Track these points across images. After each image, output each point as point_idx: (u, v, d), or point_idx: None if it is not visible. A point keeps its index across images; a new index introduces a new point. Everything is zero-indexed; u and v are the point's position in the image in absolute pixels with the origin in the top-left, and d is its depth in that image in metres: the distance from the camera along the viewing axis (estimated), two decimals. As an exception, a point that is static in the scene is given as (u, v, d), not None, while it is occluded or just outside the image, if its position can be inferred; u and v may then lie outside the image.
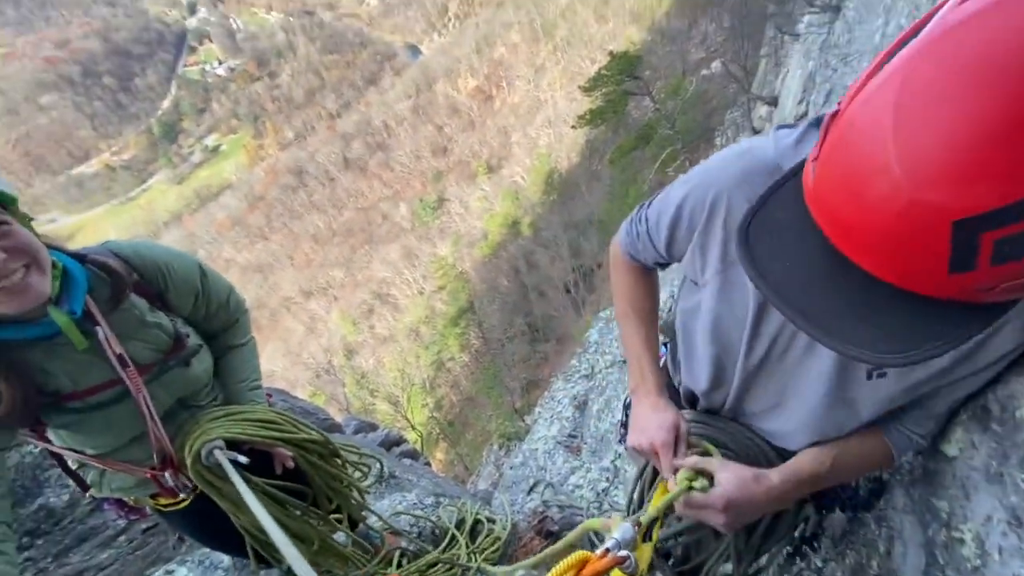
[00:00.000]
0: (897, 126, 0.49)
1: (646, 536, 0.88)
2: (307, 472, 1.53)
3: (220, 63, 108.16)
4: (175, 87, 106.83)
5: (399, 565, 2.17)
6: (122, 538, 2.49)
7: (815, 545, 1.64)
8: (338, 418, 6.52)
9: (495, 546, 2.48)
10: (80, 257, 1.19)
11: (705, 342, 1.01)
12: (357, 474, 1.80)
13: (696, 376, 1.09)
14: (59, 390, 1.17)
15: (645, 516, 0.84)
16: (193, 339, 1.38)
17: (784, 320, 0.87)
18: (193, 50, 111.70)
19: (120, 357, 1.18)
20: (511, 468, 4.97)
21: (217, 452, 1.30)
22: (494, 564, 2.35)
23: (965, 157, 0.45)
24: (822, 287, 0.60)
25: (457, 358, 35.86)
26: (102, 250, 1.24)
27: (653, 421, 1.00)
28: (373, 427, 6.87)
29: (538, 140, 55.96)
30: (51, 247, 1.14)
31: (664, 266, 1.12)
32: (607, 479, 3.67)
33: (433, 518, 2.63)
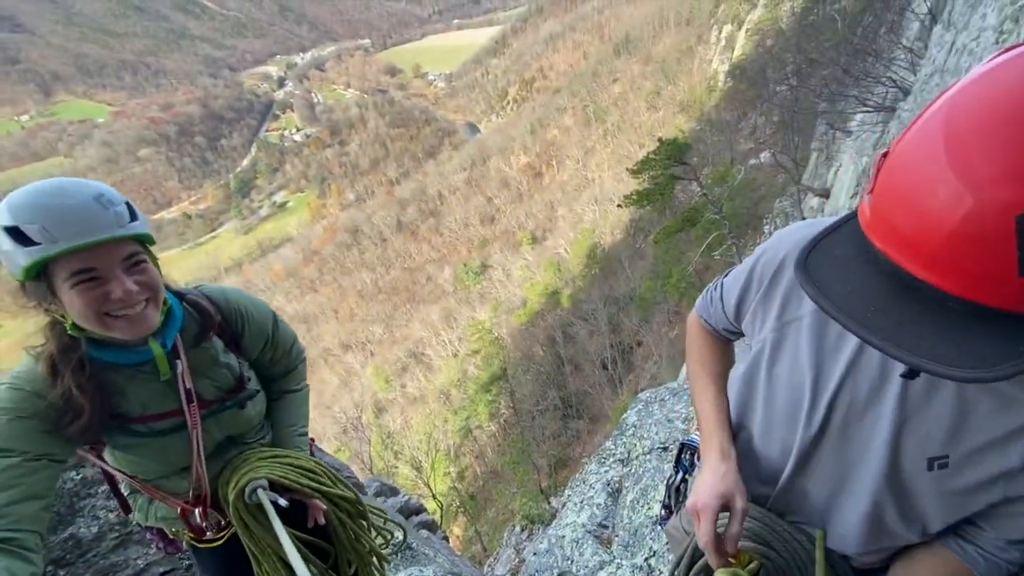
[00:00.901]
0: (948, 144, 0.54)
1: None
2: (335, 529, 1.50)
3: (298, 130, 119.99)
4: (255, 149, 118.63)
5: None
6: (139, 580, 2.45)
7: None
8: (361, 477, 6.38)
9: (514, 642, 2.27)
10: (179, 295, 1.31)
11: (759, 411, 0.96)
12: (379, 540, 1.74)
13: (747, 452, 1.02)
14: (127, 412, 1.23)
15: None
16: (253, 383, 1.44)
17: (845, 384, 0.84)
18: (276, 118, 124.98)
19: (188, 392, 1.26)
20: (535, 555, 4.64)
21: (260, 492, 1.32)
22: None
23: (1017, 155, 0.50)
24: (889, 308, 0.59)
25: (485, 427, 34.98)
26: (195, 291, 1.36)
27: (707, 483, 0.94)
28: (394, 491, 6.67)
29: (583, 216, 57.35)
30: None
31: (734, 337, 1.13)
32: (641, 580, 3.36)
33: (450, 601, 2.46)
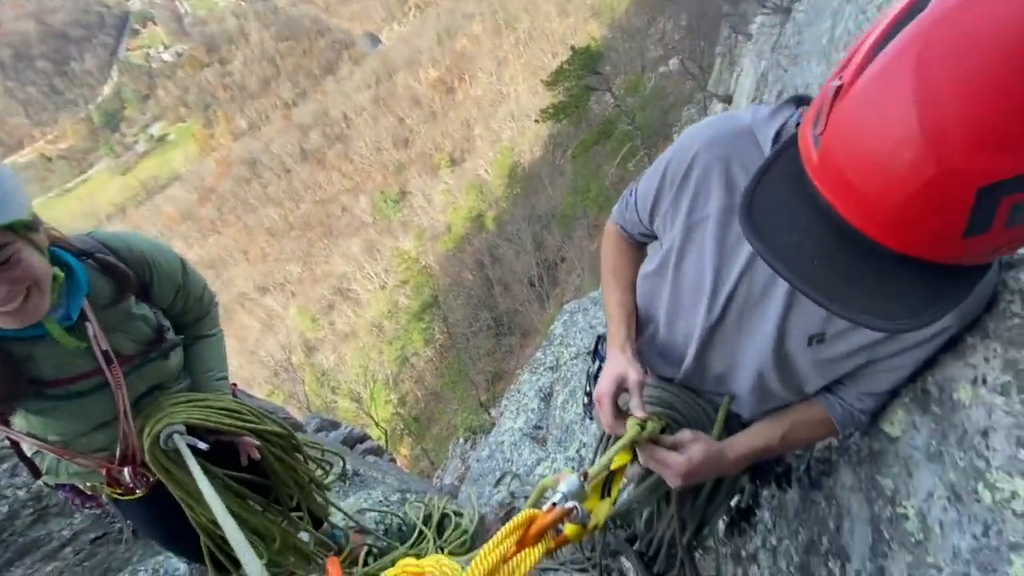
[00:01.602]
0: (919, 99, 0.50)
1: (606, 493, 0.91)
2: (270, 466, 1.50)
3: (165, 48, 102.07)
4: (116, 73, 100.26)
5: (365, 563, 2.14)
6: (67, 550, 2.35)
7: (751, 518, 1.73)
8: (299, 416, 6.35)
9: (463, 539, 2.48)
10: (82, 254, 1.19)
11: (665, 302, 1.07)
12: (319, 472, 1.77)
13: (654, 339, 1.15)
14: (42, 377, 1.18)
15: (593, 467, 0.85)
16: (172, 334, 1.39)
17: (743, 279, 0.94)
18: (136, 34, 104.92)
19: (106, 353, 1.20)
20: (477, 461, 4.97)
21: (176, 437, 1.28)
22: (462, 556, 2.36)
23: (992, 126, 0.47)
24: (830, 259, 0.61)
25: (421, 353, 35.52)
26: (94, 242, 1.23)
27: (604, 373, 1.04)
28: (335, 425, 6.73)
29: (501, 133, 55.83)
30: (57, 244, 1.15)
31: (650, 239, 1.18)
32: (572, 468, 3.73)
33: (399, 514, 2.61)
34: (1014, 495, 0.77)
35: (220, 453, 1.41)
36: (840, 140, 0.57)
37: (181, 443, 1.27)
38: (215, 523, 1.31)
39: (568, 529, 0.75)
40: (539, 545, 0.69)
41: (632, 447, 0.96)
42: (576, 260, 28.15)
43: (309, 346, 45.92)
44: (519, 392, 5.59)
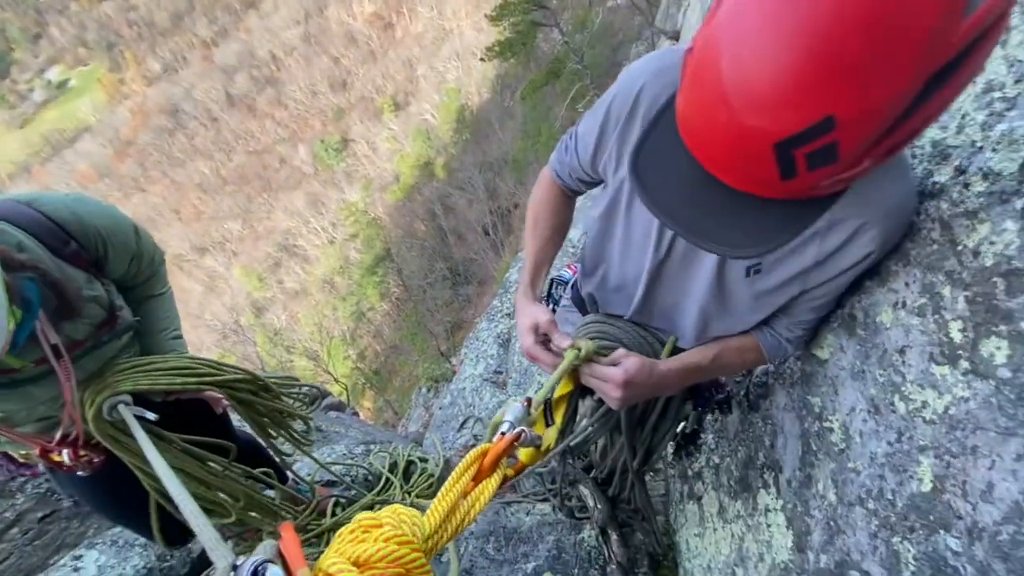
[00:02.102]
0: (728, 64, 0.58)
1: (550, 420, 0.96)
2: (242, 412, 1.48)
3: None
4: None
5: (334, 514, 2.18)
6: (15, 530, 2.26)
7: (696, 442, 1.88)
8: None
9: (429, 482, 2.56)
10: (31, 268, 1.01)
11: (618, 242, 1.09)
12: (296, 404, 1.74)
13: (606, 278, 1.18)
14: None
15: (537, 394, 0.89)
16: (127, 312, 1.30)
17: None
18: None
19: (55, 347, 1.10)
20: (440, 408, 5.08)
21: (122, 407, 1.22)
22: (430, 500, 2.44)
23: (768, 90, 0.55)
24: (697, 200, 0.70)
25: (377, 307, 35.09)
26: (31, 214, 1.06)
27: (518, 327, 1.09)
28: (324, 393, 6.66)
29: (446, 74, 53.17)
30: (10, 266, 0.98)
31: (587, 186, 1.18)
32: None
33: (365, 465, 2.64)
34: (924, 404, 0.85)
35: (182, 416, 1.36)
36: (686, 97, 0.66)
37: (127, 413, 1.21)
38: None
39: (522, 454, 0.78)
40: (495, 475, 0.72)
41: (575, 374, 1.00)
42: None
43: (258, 306, 44.34)
44: (478, 340, 5.66)
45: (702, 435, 1.86)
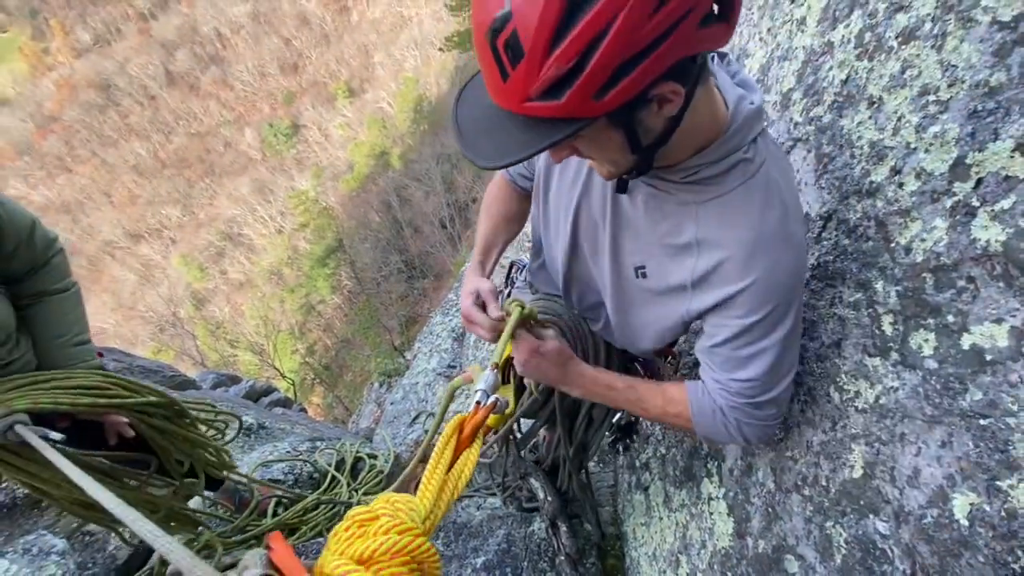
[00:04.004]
0: None
1: (506, 380, 0.96)
2: (150, 439, 1.37)
3: (-40, -72, 79.82)
4: None
5: (275, 514, 2.08)
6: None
7: (633, 436, 1.92)
8: (192, 374, 5.87)
9: (378, 479, 2.49)
10: None
11: (542, 224, 1.13)
12: (213, 432, 1.65)
13: (544, 262, 1.22)
14: None
15: (498, 358, 0.88)
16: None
17: (582, 205, 0.99)
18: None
19: None
20: (392, 404, 4.97)
21: (20, 428, 1.09)
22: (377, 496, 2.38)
23: None
24: (483, 126, 0.73)
25: (328, 300, 34.06)
26: None
27: (462, 294, 1.09)
28: (236, 380, 6.34)
29: (404, 62, 51.98)
30: None
31: (527, 180, 1.21)
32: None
33: (310, 462, 2.54)
34: (857, 394, 0.89)
35: (90, 433, 1.26)
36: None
37: (28, 434, 1.09)
38: (82, 502, 1.18)
39: (490, 419, 0.78)
40: (475, 444, 0.72)
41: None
42: (486, 200, 27.87)
43: (199, 298, 42.01)
44: (432, 334, 5.59)
45: (638, 426, 1.90)
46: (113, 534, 1.69)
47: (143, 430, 1.33)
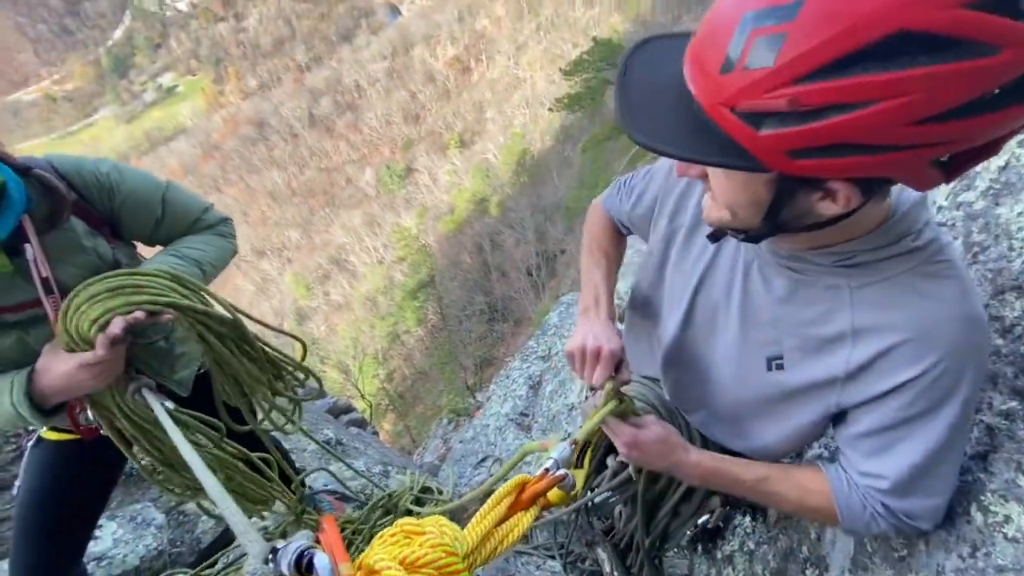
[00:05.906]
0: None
1: (579, 463, 0.90)
2: (206, 352, 1.25)
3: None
4: (129, 17, 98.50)
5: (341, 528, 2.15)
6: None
7: (717, 540, 1.70)
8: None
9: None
10: (24, 169, 1.06)
11: (661, 300, 1.03)
12: (281, 384, 1.49)
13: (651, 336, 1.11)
14: None
15: (580, 435, 0.85)
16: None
17: (704, 283, 0.92)
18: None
19: (45, 281, 1.08)
20: (461, 442, 4.99)
21: (146, 392, 1.14)
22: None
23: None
24: (659, 99, 0.63)
25: (413, 331, 35.54)
26: (44, 163, 1.11)
27: (607, 332, 0.95)
28: (322, 394, 6.72)
29: (513, 119, 55.31)
30: None
31: (626, 230, 1.18)
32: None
33: (382, 487, 2.61)
34: (1007, 519, 0.76)
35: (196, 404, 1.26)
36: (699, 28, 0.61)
37: (155, 404, 1.11)
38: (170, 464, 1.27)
39: (552, 495, 0.76)
40: (532, 509, 0.70)
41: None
42: (576, 254, 28.06)
43: (301, 314, 45.84)
44: (508, 378, 5.59)
45: (727, 535, 1.70)
46: (202, 511, 1.65)
47: (205, 337, 1.24)
